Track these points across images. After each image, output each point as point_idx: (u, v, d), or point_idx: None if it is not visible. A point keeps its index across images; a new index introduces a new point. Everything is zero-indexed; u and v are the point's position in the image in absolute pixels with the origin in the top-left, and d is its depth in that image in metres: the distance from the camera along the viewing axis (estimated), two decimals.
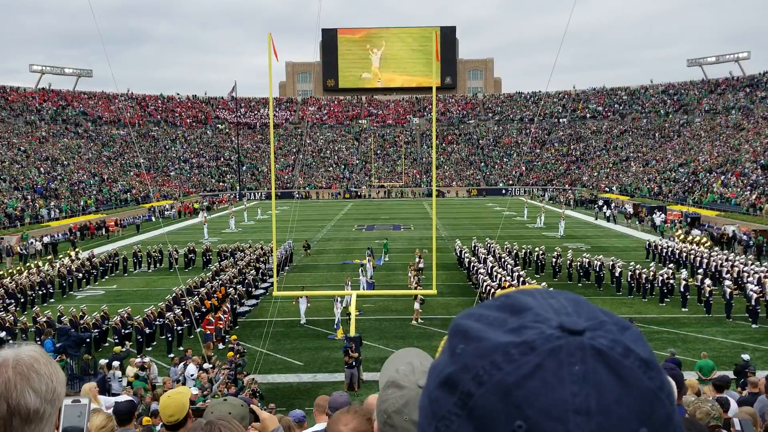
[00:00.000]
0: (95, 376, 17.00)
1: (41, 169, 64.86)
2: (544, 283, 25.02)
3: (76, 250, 36.97)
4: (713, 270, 28.63)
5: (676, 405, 0.64)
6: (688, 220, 46.21)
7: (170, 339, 21.09)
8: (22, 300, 26.77)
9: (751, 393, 9.77)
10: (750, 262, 28.91)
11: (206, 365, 16.27)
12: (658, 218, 48.39)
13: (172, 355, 19.28)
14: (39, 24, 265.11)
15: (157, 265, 35.72)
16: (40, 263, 33.43)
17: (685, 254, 32.21)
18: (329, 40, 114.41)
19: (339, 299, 23.13)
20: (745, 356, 15.48)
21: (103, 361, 17.02)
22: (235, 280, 27.59)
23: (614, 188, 71.21)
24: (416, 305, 23.87)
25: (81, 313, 21.88)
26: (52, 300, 28.31)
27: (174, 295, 24.35)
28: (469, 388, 0.69)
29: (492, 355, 0.69)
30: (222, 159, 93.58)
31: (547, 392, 0.66)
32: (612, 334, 0.71)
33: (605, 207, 57.96)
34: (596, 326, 0.71)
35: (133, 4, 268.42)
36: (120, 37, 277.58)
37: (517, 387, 0.67)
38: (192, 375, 15.85)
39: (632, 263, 28.74)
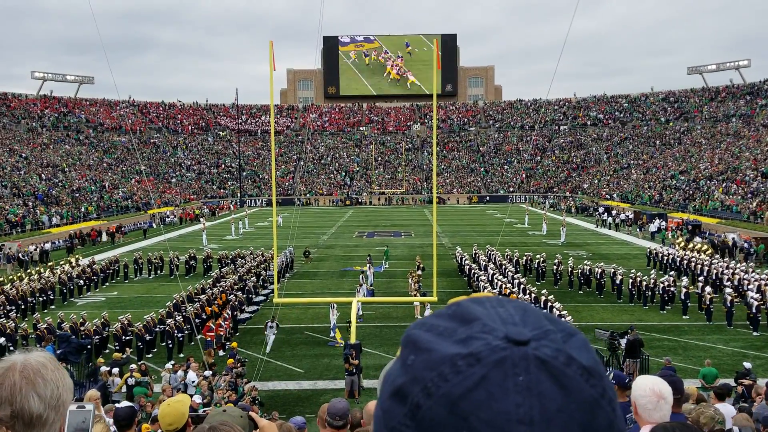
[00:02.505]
0: (95, 383, 16.98)
1: (42, 175, 64.94)
2: (544, 291, 25.01)
3: (77, 257, 36.97)
4: (714, 277, 28.59)
5: (620, 412, 0.73)
6: (689, 227, 46.20)
7: (171, 346, 21.06)
8: (23, 306, 26.77)
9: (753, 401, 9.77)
10: (751, 270, 28.88)
11: (206, 372, 16.25)
12: (654, 226, 48.37)
13: (172, 362, 19.24)
14: (43, 30, 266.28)
15: (158, 271, 35.72)
16: (42, 270, 33.42)
17: (685, 262, 32.19)
18: (330, 47, 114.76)
19: (335, 306, 23.12)
20: (747, 364, 15.44)
21: (104, 368, 16.99)
22: (235, 287, 27.57)
23: (615, 195, 71.20)
24: (426, 313, 23.77)
25: (81, 320, 21.88)
26: (53, 306, 28.29)
27: (174, 301, 24.33)
28: (418, 400, 0.71)
29: (440, 366, 0.71)
30: (223, 166, 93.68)
31: (491, 403, 0.68)
32: (555, 343, 0.72)
33: (606, 214, 57.97)
34: (541, 336, 0.73)
35: (140, 11, 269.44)
36: (125, 44, 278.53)
37: (463, 398, 0.68)
38: (193, 382, 15.83)
39: (633, 271, 28.71)
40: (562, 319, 0.81)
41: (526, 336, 0.72)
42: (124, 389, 16.34)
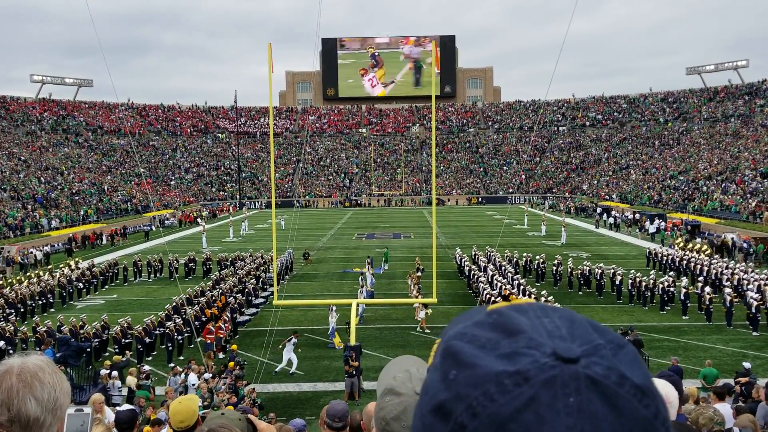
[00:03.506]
0: (95, 386, 16.98)
1: (41, 178, 64.93)
2: (544, 292, 25.02)
3: (76, 260, 36.95)
4: (713, 278, 28.60)
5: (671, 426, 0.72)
6: (688, 228, 46.22)
7: (170, 348, 21.04)
8: (23, 310, 26.74)
9: (755, 401, 9.77)
10: (750, 270, 28.89)
11: (206, 375, 16.23)
12: (652, 227, 48.39)
13: (171, 365, 19.24)
14: (43, 34, 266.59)
15: (158, 274, 35.70)
16: (41, 273, 33.41)
17: (685, 262, 32.21)
18: (329, 49, 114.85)
19: (334, 308, 23.12)
20: (747, 364, 15.44)
21: (104, 371, 16.99)
22: (235, 289, 27.56)
23: (614, 196, 71.25)
24: (421, 314, 23.80)
25: (81, 323, 21.85)
26: (53, 310, 28.26)
27: (174, 304, 24.33)
28: (462, 420, 0.68)
29: (485, 384, 0.68)
30: (222, 168, 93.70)
31: (541, 426, 0.64)
32: (606, 359, 0.69)
33: (605, 215, 58.00)
34: (590, 351, 0.69)
35: (140, 14, 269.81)
36: (126, 47, 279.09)
37: (511, 420, 0.65)
38: (193, 384, 15.82)
39: (633, 271, 28.71)
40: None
41: (575, 353, 0.69)
42: (125, 392, 16.34)
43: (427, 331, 23.53)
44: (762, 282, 25.09)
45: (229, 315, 23.38)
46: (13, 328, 22.26)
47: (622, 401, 0.66)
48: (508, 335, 0.72)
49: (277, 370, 19.54)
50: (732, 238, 39.65)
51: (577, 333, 0.72)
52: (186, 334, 21.90)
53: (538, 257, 33.05)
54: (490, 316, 0.76)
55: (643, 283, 26.85)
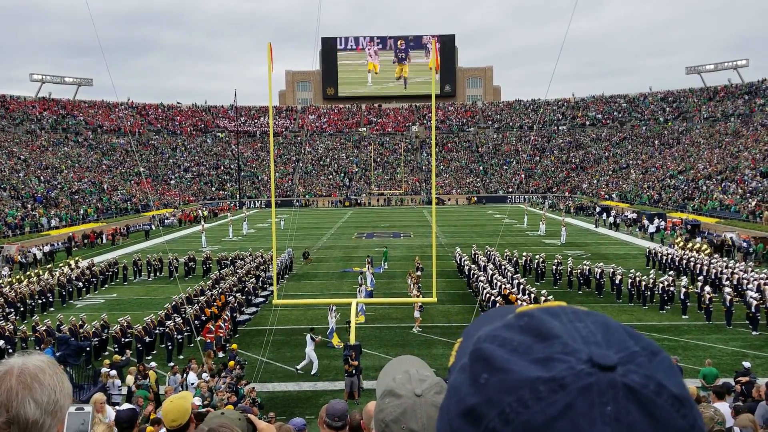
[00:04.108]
0: (95, 385, 16.98)
1: (41, 177, 64.91)
2: (544, 291, 25.02)
3: (76, 259, 36.94)
4: (713, 277, 28.61)
5: None
6: (688, 227, 46.21)
7: (170, 348, 21.04)
8: (22, 309, 26.74)
9: (755, 400, 9.77)
10: (750, 269, 28.90)
11: (205, 375, 16.23)
12: (652, 227, 48.37)
13: (171, 364, 19.25)
14: (44, 33, 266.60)
15: (157, 273, 35.70)
16: (40, 272, 33.40)
17: (685, 261, 32.21)
18: (329, 49, 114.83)
19: (333, 308, 23.13)
20: (746, 364, 15.44)
21: (105, 370, 16.98)
22: (235, 289, 27.56)
23: (614, 196, 71.24)
24: (416, 313, 23.84)
25: (81, 322, 21.85)
26: (52, 309, 28.26)
27: (174, 303, 24.32)
28: (494, 425, 0.66)
29: (519, 390, 0.66)
30: (222, 167, 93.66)
31: None
32: (643, 368, 0.67)
33: (604, 214, 58.00)
34: (627, 359, 0.68)
35: (141, 13, 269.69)
36: (126, 46, 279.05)
37: (546, 428, 0.64)
38: (193, 384, 15.82)
39: (632, 271, 28.71)
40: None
41: (612, 360, 0.67)
42: (124, 391, 16.34)
43: (419, 329, 23.52)
44: (762, 281, 25.11)
45: (228, 314, 23.37)
46: (12, 327, 22.26)
47: (660, 411, 0.65)
48: (541, 340, 0.70)
49: (299, 367, 19.59)
50: (732, 238, 39.65)
51: (612, 339, 0.70)
52: (186, 334, 21.91)
53: (537, 257, 33.05)
54: (521, 318, 0.74)
55: (643, 283, 26.84)
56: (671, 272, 31.58)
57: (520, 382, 0.66)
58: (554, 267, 31.53)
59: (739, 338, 22.10)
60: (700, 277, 28.18)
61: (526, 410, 0.65)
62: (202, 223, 54.98)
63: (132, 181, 78.14)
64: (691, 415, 0.67)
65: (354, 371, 17.08)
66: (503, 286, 26.13)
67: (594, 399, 0.64)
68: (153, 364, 17.80)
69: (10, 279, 31.62)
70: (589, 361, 0.66)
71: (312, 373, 19.30)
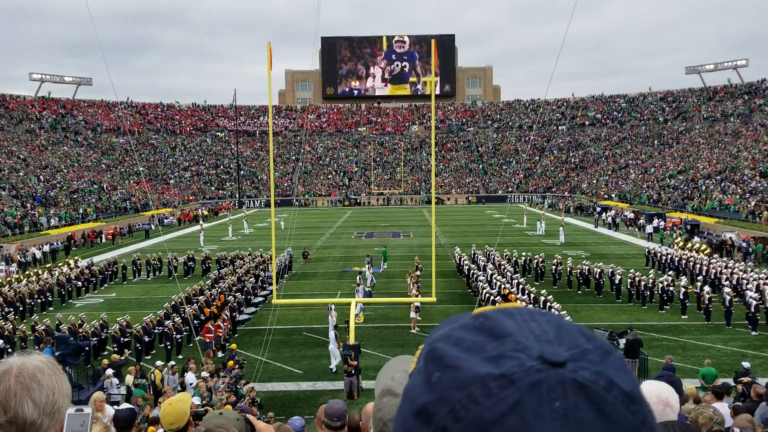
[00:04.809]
0: (94, 384, 16.97)
1: (40, 177, 64.89)
2: (543, 291, 25.01)
3: (75, 258, 36.93)
4: (712, 277, 28.62)
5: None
6: (688, 227, 46.22)
7: (169, 347, 21.03)
8: (21, 308, 26.72)
9: (753, 400, 9.77)
10: (749, 269, 28.91)
11: (204, 374, 16.22)
12: (649, 227, 48.36)
13: (172, 363, 19.24)
14: (44, 32, 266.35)
15: (157, 273, 35.68)
16: (40, 271, 33.38)
17: (684, 261, 32.21)
18: (329, 48, 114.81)
19: (332, 308, 23.11)
20: (746, 364, 15.45)
21: (109, 371, 16.94)
22: (234, 288, 27.54)
23: (613, 195, 71.26)
24: (412, 314, 23.83)
25: (80, 322, 21.84)
26: (51, 308, 28.24)
27: (173, 303, 24.31)
28: (444, 423, 0.66)
29: (469, 387, 0.66)
30: (221, 167, 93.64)
31: (526, 431, 0.63)
32: (594, 365, 0.67)
33: (604, 213, 58.00)
34: (578, 356, 0.68)
35: (141, 13, 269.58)
36: (126, 46, 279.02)
37: (495, 425, 0.63)
38: (191, 384, 15.81)
39: (632, 270, 28.71)
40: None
41: (562, 356, 0.67)
42: (123, 391, 16.33)
43: (417, 330, 23.51)
44: (761, 281, 25.12)
45: (228, 314, 23.36)
46: (11, 326, 22.25)
47: (610, 407, 0.65)
48: (494, 338, 0.70)
49: (331, 367, 19.64)
50: (731, 238, 39.66)
51: (564, 337, 0.70)
52: (185, 333, 21.89)
53: (537, 256, 33.05)
54: (477, 319, 0.74)
55: (642, 283, 26.85)
56: (671, 272, 31.58)
57: (470, 379, 0.66)
58: (554, 267, 31.54)
59: (738, 338, 22.11)
60: (700, 277, 28.18)
61: (476, 407, 0.65)
62: (201, 222, 54.98)
63: (131, 181, 78.12)
64: (641, 412, 0.67)
65: (353, 371, 17.08)
66: (502, 285, 26.12)
67: (543, 395, 0.64)
68: (159, 363, 17.78)
69: (17, 276, 31.71)
70: (540, 358, 0.66)
71: (330, 368, 19.45)
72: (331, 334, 19.96)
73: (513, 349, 0.68)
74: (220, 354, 20.93)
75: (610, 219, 55.29)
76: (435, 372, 0.70)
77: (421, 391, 0.70)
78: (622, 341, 18.47)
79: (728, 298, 23.65)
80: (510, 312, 0.74)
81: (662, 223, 49.55)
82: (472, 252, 35.62)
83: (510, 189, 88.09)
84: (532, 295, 24.29)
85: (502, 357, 0.67)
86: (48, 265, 36.39)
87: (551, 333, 0.71)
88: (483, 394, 0.65)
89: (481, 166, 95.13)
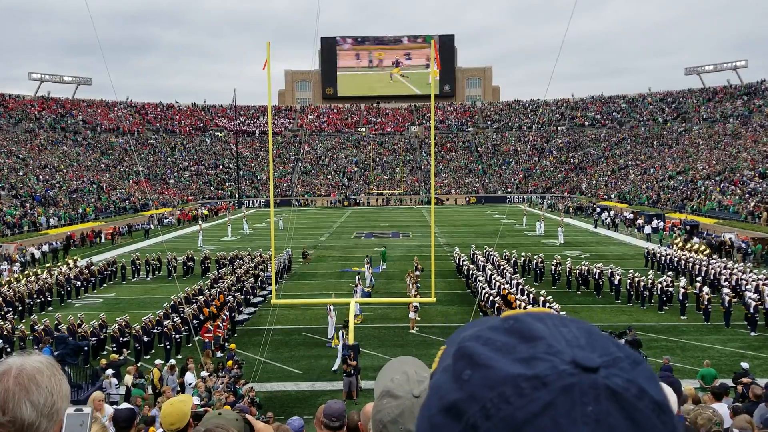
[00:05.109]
0: (93, 384, 16.96)
1: (40, 176, 64.84)
2: (543, 291, 25.02)
3: (74, 258, 36.91)
4: (712, 278, 28.62)
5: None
6: (687, 228, 46.23)
7: (168, 347, 21.02)
8: (20, 308, 26.71)
9: (752, 401, 9.77)
10: (748, 270, 28.91)
11: (203, 373, 16.22)
12: (648, 227, 48.34)
13: (172, 362, 19.23)
14: (43, 32, 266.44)
15: (156, 273, 35.67)
16: (39, 271, 33.36)
17: (683, 262, 32.22)
18: (328, 48, 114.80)
19: (332, 308, 23.11)
20: (744, 364, 15.46)
21: (109, 371, 16.95)
22: (233, 288, 27.53)
23: (613, 196, 71.26)
24: (411, 314, 23.82)
25: (79, 321, 21.82)
26: (50, 308, 28.22)
27: (172, 302, 24.29)
28: (475, 420, 0.66)
29: (501, 386, 0.66)
30: (221, 167, 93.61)
31: None
32: (626, 372, 0.68)
33: (603, 214, 58.01)
34: (610, 363, 0.68)
35: (141, 13, 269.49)
36: (125, 45, 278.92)
37: (527, 424, 0.64)
38: (190, 383, 15.80)
39: (631, 271, 28.71)
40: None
41: (595, 362, 0.67)
42: (122, 390, 16.32)
43: (417, 330, 23.51)
44: (760, 282, 25.13)
45: (227, 314, 23.35)
46: (10, 326, 22.23)
47: (641, 415, 0.65)
48: (525, 340, 0.71)
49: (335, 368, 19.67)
50: (730, 238, 39.67)
51: (596, 344, 0.71)
52: (184, 333, 21.88)
53: (536, 257, 33.05)
54: (506, 321, 0.75)
55: (642, 283, 26.85)
56: (670, 273, 31.58)
57: (502, 378, 0.67)
58: (553, 267, 31.54)
59: (737, 339, 22.11)
60: (699, 278, 28.18)
61: (507, 406, 0.65)
62: (200, 222, 54.95)
63: (131, 181, 78.08)
64: (670, 423, 0.67)
65: (352, 371, 17.09)
66: (502, 286, 26.13)
67: (576, 398, 0.64)
68: (158, 361, 17.77)
69: (17, 276, 31.69)
70: (573, 362, 0.67)
71: (332, 369, 19.42)
72: (340, 334, 19.91)
73: (545, 352, 0.68)
74: (219, 354, 20.93)
75: (609, 219, 55.32)
76: (465, 370, 0.70)
77: (450, 388, 0.70)
78: (622, 342, 18.45)
79: (727, 298, 23.66)
80: (540, 316, 0.75)
81: (661, 223, 49.55)
82: (472, 252, 35.62)
83: (509, 189, 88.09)
84: (531, 296, 24.29)
85: (534, 359, 0.68)
86: (47, 265, 36.36)
87: (582, 339, 0.71)
88: (515, 393, 0.65)
89: (480, 166, 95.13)
